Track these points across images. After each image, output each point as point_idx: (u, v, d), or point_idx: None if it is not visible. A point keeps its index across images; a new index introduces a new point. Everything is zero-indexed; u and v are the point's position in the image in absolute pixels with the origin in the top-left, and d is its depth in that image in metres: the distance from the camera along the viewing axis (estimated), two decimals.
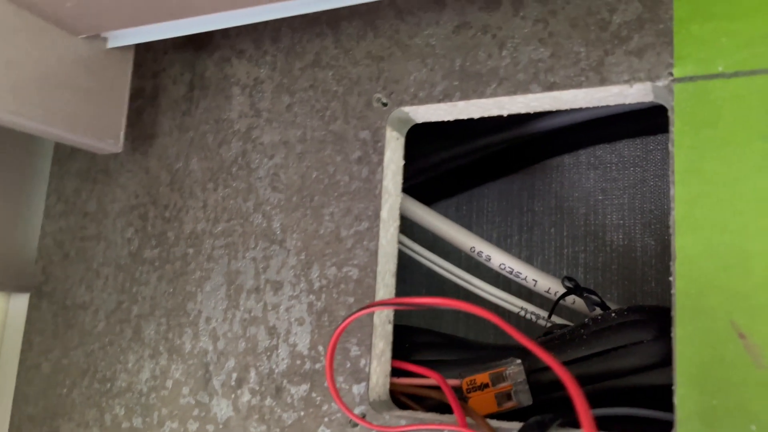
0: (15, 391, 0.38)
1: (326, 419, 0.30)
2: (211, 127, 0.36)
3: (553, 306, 0.34)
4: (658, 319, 0.29)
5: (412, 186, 0.48)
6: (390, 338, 0.31)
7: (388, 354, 0.31)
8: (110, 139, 0.32)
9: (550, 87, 0.28)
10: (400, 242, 0.37)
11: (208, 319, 0.34)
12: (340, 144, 0.32)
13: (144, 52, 0.39)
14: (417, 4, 0.32)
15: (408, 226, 0.38)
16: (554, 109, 0.30)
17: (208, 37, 0.37)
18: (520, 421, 0.28)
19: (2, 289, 0.39)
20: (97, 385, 0.36)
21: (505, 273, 0.37)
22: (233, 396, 0.32)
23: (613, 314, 0.31)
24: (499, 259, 0.37)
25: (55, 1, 0.28)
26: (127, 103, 0.33)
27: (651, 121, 0.40)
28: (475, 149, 0.46)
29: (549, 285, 0.36)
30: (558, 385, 0.31)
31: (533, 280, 0.36)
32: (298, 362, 0.31)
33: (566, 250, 0.43)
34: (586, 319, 0.32)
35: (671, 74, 0.26)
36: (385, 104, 0.32)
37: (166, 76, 0.38)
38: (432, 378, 0.30)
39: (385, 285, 0.31)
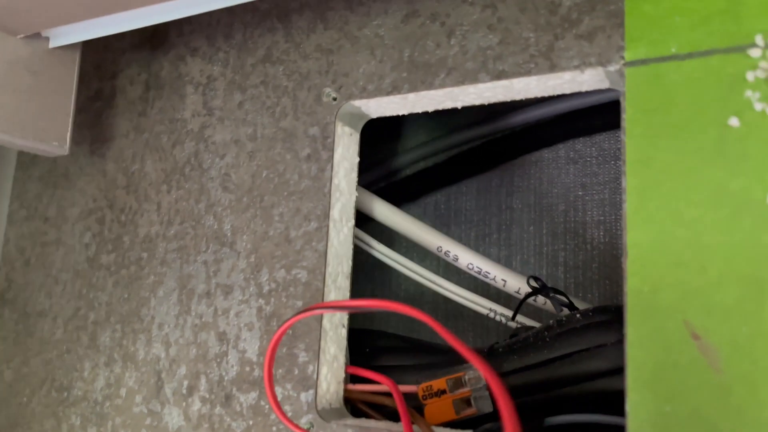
0: None
1: (274, 428, 0.29)
2: (165, 127, 0.35)
3: (517, 307, 0.32)
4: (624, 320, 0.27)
5: (389, 185, 0.47)
6: (343, 343, 0.30)
7: (342, 359, 0.30)
8: (55, 142, 0.31)
9: (499, 75, 0.27)
10: (366, 243, 0.36)
11: (160, 325, 0.33)
12: (290, 141, 0.31)
13: (103, 52, 0.38)
14: None
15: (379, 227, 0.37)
16: (508, 99, 0.28)
17: (163, 35, 0.36)
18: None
19: None
20: (54, 393, 0.35)
21: (473, 273, 0.35)
22: (184, 404, 0.31)
23: (577, 315, 0.29)
24: (466, 258, 0.35)
25: None
26: (73, 105, 0.32)
27: None
28: (451, 145, 0.44)
29: (519, 285, 0.34)
30: (521, 390, 0.30)
31: (502, 280, 0.34)
32: (247, 369, 0.30)
33: (546, 249, 0.42)
34: (551, 321, 0.30)
35: (622, 58, 0.24)
36: (335, 99, 0.30)
37: (124, 76, 0.37)
38: (384, 384, 0.29)
39: (338, 287, 0.30)
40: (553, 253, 0.41)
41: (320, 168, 0.30)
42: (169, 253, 0.33)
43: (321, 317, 0.29)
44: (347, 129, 0.31)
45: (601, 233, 0.40)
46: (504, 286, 0.35)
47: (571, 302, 0.32)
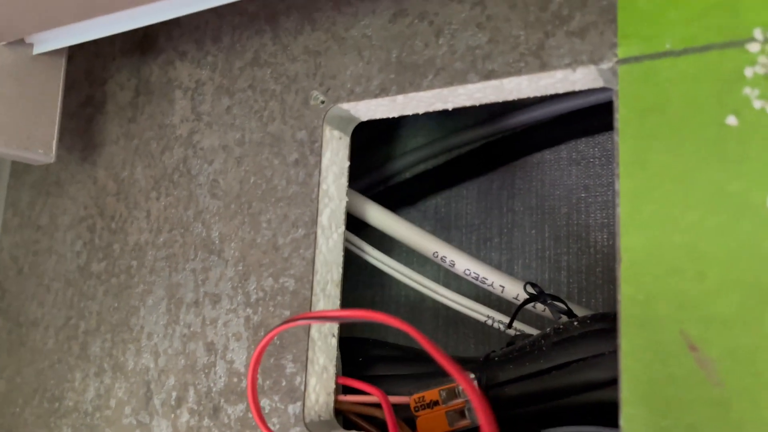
0: None
1: None
2: (155, 133, 0.34)
3: (513, 315, 0.31)
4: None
5: (388, 188, 0.46)
6: (334, 353, 0.29)
7: (332, 370, 0.29)
8: (41, 150, 0.31)
9: (488, 75, 0.26)
10: (361, 249, 0.35)
11: (150, 335, 0.32)
12: (278, 146, 0.30)
13: (93, 58, 0.38)
14: None
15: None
16: (499, 99, 0.27)
17: (153, 39, 0.36)
18: None
19: None
20: (46, 404, 0.35)
21: (471, 279, 0.34)
22: (173, 416, 0.30)
23: (575, 323, 0.28)
24: (463, 264, 0.34)
25: None
26: (59, 112, 0.31)
27: None
28: (451, 147, 0.43)
29: (517, 291, 0.33)
30: (517, 401, 0.29)
31: (500, 285, 0.33)
32: (235, 380, 0.29)
33: (548, 252, 0.41)
34: (548, 329, 0.29)
35: (615, 55, 0.23)
36: (323, 102, 0.29)
37: (114, 82, 0.37)
38: (374, 395, 0.28)
39: (327, 295, 0.29)
40: (555, 257, 0.40)
41: (308, 173, 0.29)
42: (158, 261, 0.33)
43: (309, 327, 0.28)
44: (336, 133, 0.30)
45: (605, 236, 0.39)
46: (502, 292, 0.34)
47: (569, 309, 0.31)
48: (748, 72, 0.21)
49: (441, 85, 0.27)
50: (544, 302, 0.31)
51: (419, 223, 0.45)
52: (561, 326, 0.29)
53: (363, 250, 0.35)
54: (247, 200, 0.31)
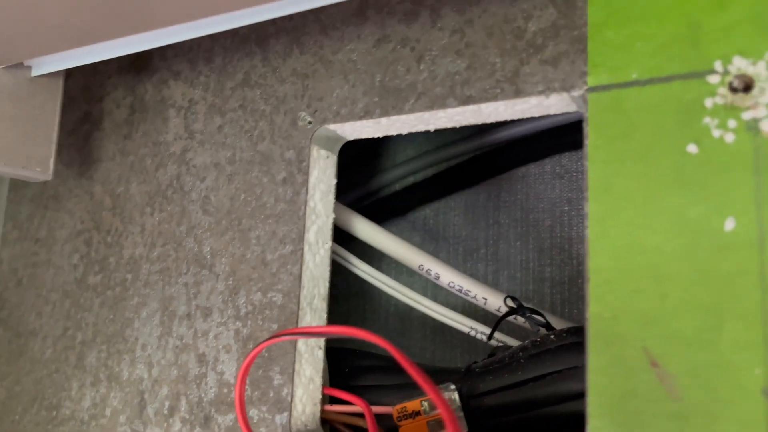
0: None
1: None
2: (149, 150, 0.36)
3: (493, 328, 0.33)
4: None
5: (377, 200, 0.47)
6: (320, 365, 0.30)
7: (318, 381, 0.30)
8: (38, 168, 0.32)
9: (467, 101, 0.27)
10: (348, 262, 0.36)
11: (144, 346, 0.33)
12: (267, 165, 0.31)
13: (91, 76, 0.39)
14: (340, 17, 0.31)
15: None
16: (479, 122, 0.28)
17: (147, 59, 0.37)
18: None
19: None
20: (44, 412, 0.36)
21: (455, 291, 0.35)
22: (165, 425, 0.31)
23: (552, 336, 0.29)
24: (448, 277, 0.35)
25: None
26: (56, 131, 0.32)
27: None
28: (440, 160, 0.44)
29: (499, 303, 0.34)
30: (497, 411, 0.30)
31: (483, 298, 0.35)
32: (225, 390, 0.30)
33: (532, 264, 0.42)
34: (526, 342, 0.30)
35: (585, 83, 0.24)
36: (310, 122, 0.31)
37: (110, 100, 0.38)
38: (357, 405, 0.29)
39: (313, 309, 0.30)
40: (539, 269, 0.41)
41: (295, 191, 0.30)
42: (152, 275, 0.34)
43: (296, 340, 0.29)
44: (323, 152, 0.31)
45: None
46: (485, 304, 0.35)
47: (548, 322, 0.32)
48: (708, 102, 0.22)
49: (422, 109, 0.28)
50: (523, 315, 0.32)
51: (408, 233, 0.46)
52: (539, 339, 0.30)
53: (351, 263, 0.36)
54: (237, 217, 0.32)
